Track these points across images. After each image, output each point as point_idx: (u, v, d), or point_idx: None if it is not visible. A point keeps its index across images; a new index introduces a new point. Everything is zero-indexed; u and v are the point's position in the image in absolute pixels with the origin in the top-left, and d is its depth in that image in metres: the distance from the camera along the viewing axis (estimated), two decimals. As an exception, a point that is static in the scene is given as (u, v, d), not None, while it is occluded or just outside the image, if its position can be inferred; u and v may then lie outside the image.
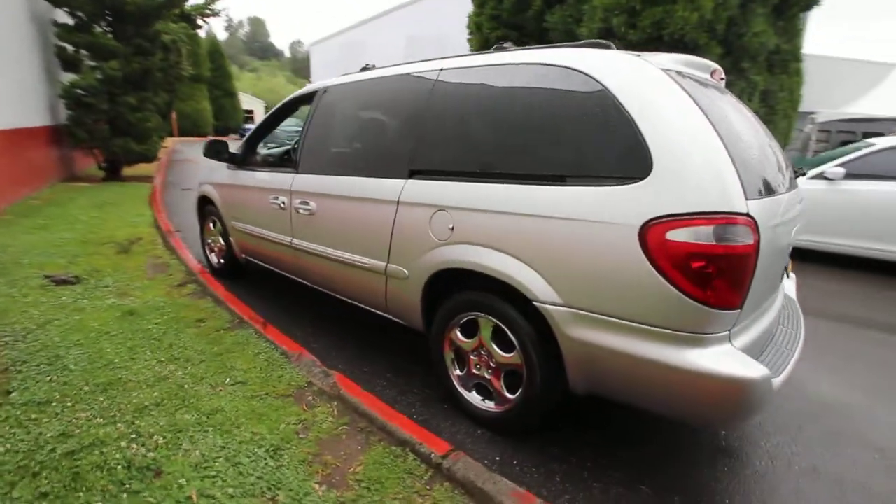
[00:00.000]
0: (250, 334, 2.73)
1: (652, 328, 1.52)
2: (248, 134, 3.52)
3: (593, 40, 1.96)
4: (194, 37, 18.81)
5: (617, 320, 1.58)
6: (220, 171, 3.73)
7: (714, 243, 1.40)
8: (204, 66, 25.34)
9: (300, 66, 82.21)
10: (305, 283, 3.04)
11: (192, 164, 11.97)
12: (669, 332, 1.49)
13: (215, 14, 12.63)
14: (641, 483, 1.77)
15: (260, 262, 3.51)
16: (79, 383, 2.15)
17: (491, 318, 1.96)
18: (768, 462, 1.92)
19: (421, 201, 2.10)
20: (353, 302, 2.71)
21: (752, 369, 1.44)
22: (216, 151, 3.45)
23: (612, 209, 1.55)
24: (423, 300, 2.20)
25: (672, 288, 1.45)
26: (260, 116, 53.24)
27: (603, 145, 1.64)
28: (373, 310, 2.59)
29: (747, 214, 1.40)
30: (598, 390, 1.76)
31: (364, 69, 2.79)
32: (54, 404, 1.98)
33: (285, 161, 3.39)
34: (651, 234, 1.47)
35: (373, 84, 2.57)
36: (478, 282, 1.96)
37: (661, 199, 1.46)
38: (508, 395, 1.98)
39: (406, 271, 2.21)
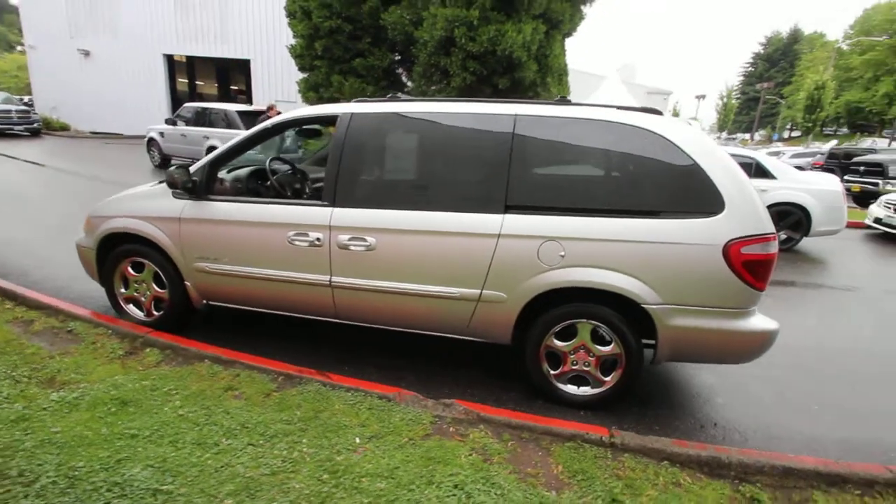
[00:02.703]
0: (318, 388, 2.50)
1: (723, 309, 2.34)
2: (211, 157, 2.91)
3: (648, 107, 2.61)
4: None
5: (699, 308, 2.35)
6: (159, 202, 2.99)
7: (766, 253, 2.28)
8: None
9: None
10: (336, 320, 2.88)
11: None
12: (733, 310, 2.34)
13: None
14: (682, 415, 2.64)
15: (236, 305, 3.05)
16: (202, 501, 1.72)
17: (592, 321, 2.49)
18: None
19: (528, 233, 2.42)
20: (411, 330, 2.78)
21: (773, 324, 2.41)
22: (175, 179, 2.78)
23: (702, 234, 2.29)
24: (518, 318, 2.54)
25: (741, 281, 2.28)
26: None
27: (684, 189, 2.35)
28: (440, 334, 2.75)
29: (774, 233, 2.33)
30: (675, 358, 2.52)
31: (392, 99, 2.78)
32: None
33: (297, 191, 2.99)
34: (731, 249, 2.26)
35: (436, 119, 2.64)
36: (579, 295, 2.46)
37: (734, 227, 2.27)
38: (606, 379, 2.57)
39: (504, 294, 2.51)
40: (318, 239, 2.67)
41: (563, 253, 2.40)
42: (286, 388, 2.51)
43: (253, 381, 2.56)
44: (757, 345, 2.41)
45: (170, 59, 19.50)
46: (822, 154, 17.88)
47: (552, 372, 2.62)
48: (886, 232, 7.92)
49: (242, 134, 2.96)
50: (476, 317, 2.59)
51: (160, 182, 3.14)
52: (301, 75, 11.70)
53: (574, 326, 2.53)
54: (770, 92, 46.44)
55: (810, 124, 33.71)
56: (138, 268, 3.14)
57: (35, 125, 17.14)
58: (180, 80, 21.51)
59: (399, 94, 2.80)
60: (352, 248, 2.63)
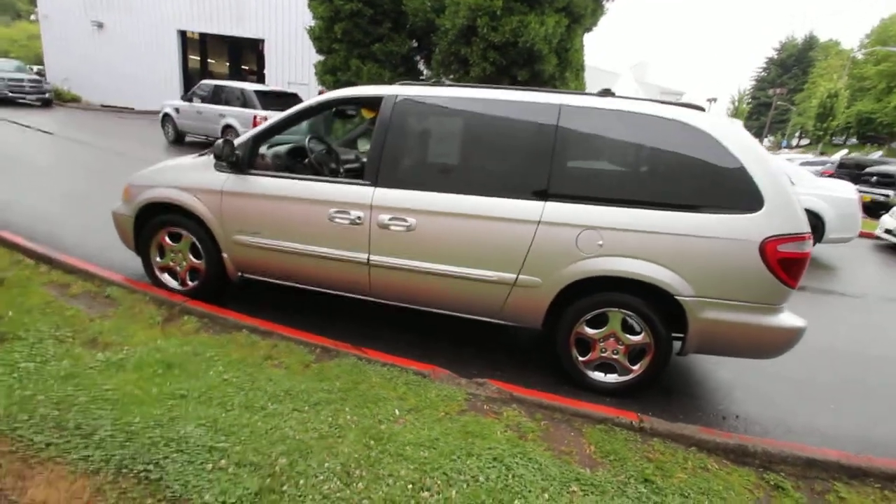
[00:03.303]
0: (354, 362, 2.57)
1: (754, 304, 2.41)
2: (255, 132, 2.96)
3: (691, 103, 2.65)
4: None
5: (731, 301, 2.41)
6: (201, 174, 3.05)
7: (801, 251, 2.34)
8: None
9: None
10: (370, 299, 2.95)
11: None
12: (764, 305, 2.41)
13: None
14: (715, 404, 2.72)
15: (272, 279, 3.12)
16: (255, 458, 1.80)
17: (624, 311, 2.56)
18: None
19: (568, 221, 2.48)
20: (444, 311, 2.85)
21: (801, 322, 2.47)
22: (225, 154, 2.83)
23: (740, 230, 2.35)
24: (552, 303, 2.61)
25: (774, 278, 2.34)
26: None
27: (725, 186, 2.41)
28: (471, 316, 2.82)
29: (809, 232, 2.38)
30: (702, 350, 2.59)
31: (437, 84, 2.82)
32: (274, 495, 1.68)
33: (335, 170, 3.04)
34: (768, 246, 2.32)
35: (481, 105, 2.68)
36: (612, 284, 2.52)
37: (772, 224, 2.33)
38: (634, 368, 2.64)
39: (540, 280, 2.57)
40: (358, 217, 2.73)
41: (601, 242, 2.46)
42: (324, 360, 2.59)
43: (291, 351, 2.63)
44: (785, 341, 2.48)
45: (183, 35, 19.39)
46: (831, 163, 17.86)
47: (581, 358, 2.70)
48: (896, 243, 7.97)
49: (283, 113, 3.01)
50: (510, 300, 2.66)
51: (201, 154, 3.18)
52: (317, 57, 11.66)
53: (605, 315, 2.60)
54: (782, 98, 46.22)
55: (821, 133, 33.57)
56: (175, 238, 3.20)
57: (47, 95, 17.07)
58: (192, 56, 21.40)
59: (444, 80, 2.84)
60: (392, 227, 2.69)
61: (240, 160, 2.91)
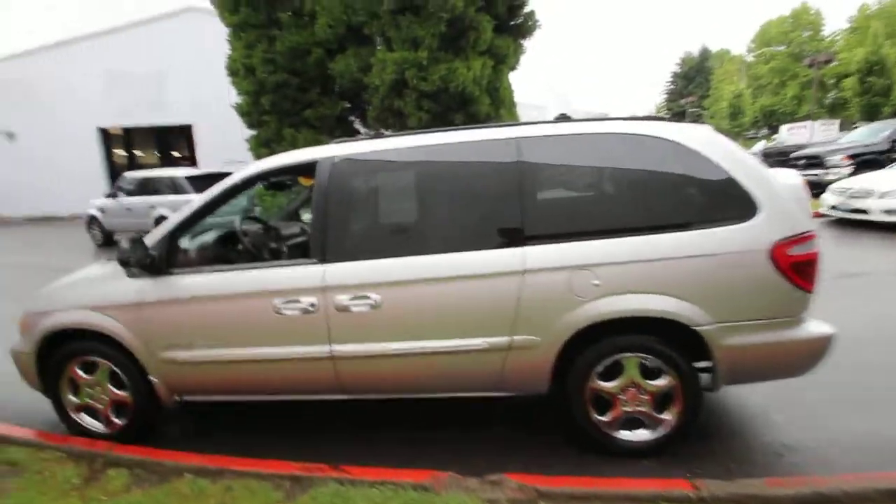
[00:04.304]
0: (335, 489, 2.03)
1: (778, 319, 2.12)
2: (171, 224, 2.48)
3: (654, 115, 2.45)
4: None
5: (753, 321, 2.12)
6: (110, 285, 2.52)
7: (811, 251, 2.10)
8: None
9: None
10: (343, 397, 2.45)
11: None
12: (788, 318, 2.13)
13: None
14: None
15: (218, 397, 2.57)
16: None
17: (638, 354, 2.20)
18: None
19: (555, 265, 2.15)
20: (430, 395, 2.40)
21: (829, 327, 2.20)
22: (137, 258, 2.33)
23: (743, 240, 2.09)
24: (555, 362, 2.23)
25: (790, 285, 2.09)
26: None
27: (712, 195, 2.17)
28: (464, 395, 2.39)
29: (813, 230, 2.16)
30: (735, 380, 2.27)
31: (376, 136, 2.50)
32: None
33: (277, 250, 2.58)
34: (777, 251, 2.07)
35: (431, 152, 2.36)
36: (620, 326, 2.17)
37: (774, 228, 2.09)
38: (664, 417, 2.25)
39: (538, 338, 2.19)
40: (311, 304, 2.27)
41: (596, 281, 2.13)
42: (297, 496, 2.03)
43: (252, 493, 2.06)
44: (817, 351, 2.19)
45: (104, 132, 18.63)
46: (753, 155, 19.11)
47: (602, 419, 2.29)
48: (843, 218, 8.28)
49: (203, 195, 2.56)
50: (508, 368, 2.25)
51: (109, 260, 2.66)
52: (249, 133, 11.33)
53: (619, 363, 2.23)
54: (693, 105, 50.35)
55: (737, 129, 36.50)
56: (89, 369, 2.60)
57: (-45, 217, 15.65)
58: (117, 151, 20.53)
59: (383, 131, 2.52)
60: (353, 309, 2.25)
61: (156, 261, 2.41)
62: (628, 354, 2.21)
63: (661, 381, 2.22)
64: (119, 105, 17.53)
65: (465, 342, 2.22)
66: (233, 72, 10.43)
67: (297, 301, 2.28)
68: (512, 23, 10.74)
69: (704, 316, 2.11)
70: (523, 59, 11.18)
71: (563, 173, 2.31)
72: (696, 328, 2.11)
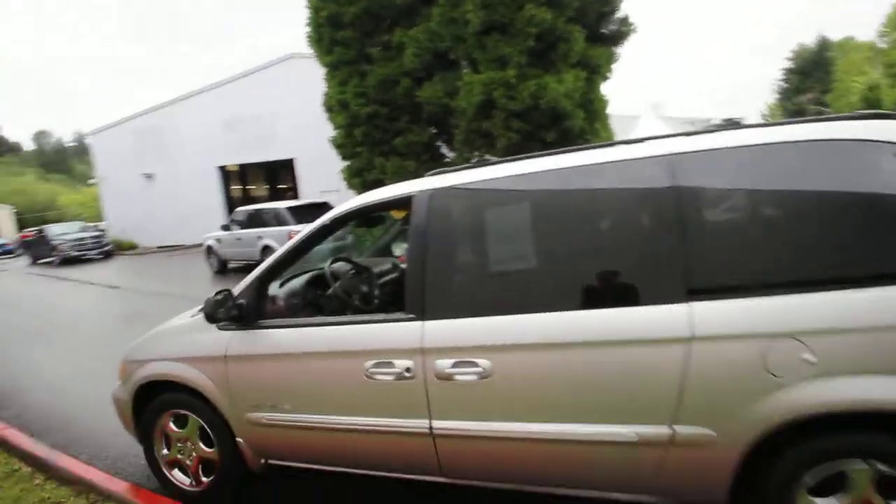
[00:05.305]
0: None
1: None
2: (259, 271, 2.28)
3: (873, 111, 1.75)
4: None
5: None
6: (198, 336, 2.36)
7: None
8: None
9: (51, 161, 68.43)
10: (443, 480, 2.00)
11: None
12: None
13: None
14: None
15: (306, 465, 2.27)
16: None
17: (873, 461, 1.48)
18: None
19: (740, 331, 1.53)
20: (559, 492, 1.86)
21: None
22: (226, 310, 2.15)
23: None
24: (739, 465, 1.58)
25: None
26: (7, 225, 39.90)
27: None
28: (601, 495, 1.81)
29: None
30: None
31: (480, 164, 2.09)
32: None
33: (366, 296, 2.31)
34: None
35: (545, 180, 1.88)
36: (846, 421, 1.48)
37: None
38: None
39: (711, 432, 1.57)
40: (407, 369, 1.88)
41: (809, 356, 1.46)
42: None
43: None
44: None
45: (223, 169, 20.87)
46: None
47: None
48: None
49: (294, 238, 2.34)
50: (668, 466, 1.65)
51: (200, 310, 2.53)
52: (343, 164, 11.78)
53: (843, 473, 1.52)
54: (814, 101, 44.14)
55: (876, 126, 31.09)
56: (181, 422, 2.47)
57: (107, 247, 18.44)
58: (234, 186, 22.93)
59: (488, 157, 2.11)
60: (457, 377, 1.81)
61: (244, 311, 2.21)
62: (858, 462, 1.49)
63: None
64: (234, 145, 19.57)
65: (603, 429, 1.67)
66: (329, 108, 10.94)
67: (391, 365, 1.91)
68: (603, 31, 10.05)
69: None
70: (614, 67, 10.38)
71: (743, 200, 1.69)
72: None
